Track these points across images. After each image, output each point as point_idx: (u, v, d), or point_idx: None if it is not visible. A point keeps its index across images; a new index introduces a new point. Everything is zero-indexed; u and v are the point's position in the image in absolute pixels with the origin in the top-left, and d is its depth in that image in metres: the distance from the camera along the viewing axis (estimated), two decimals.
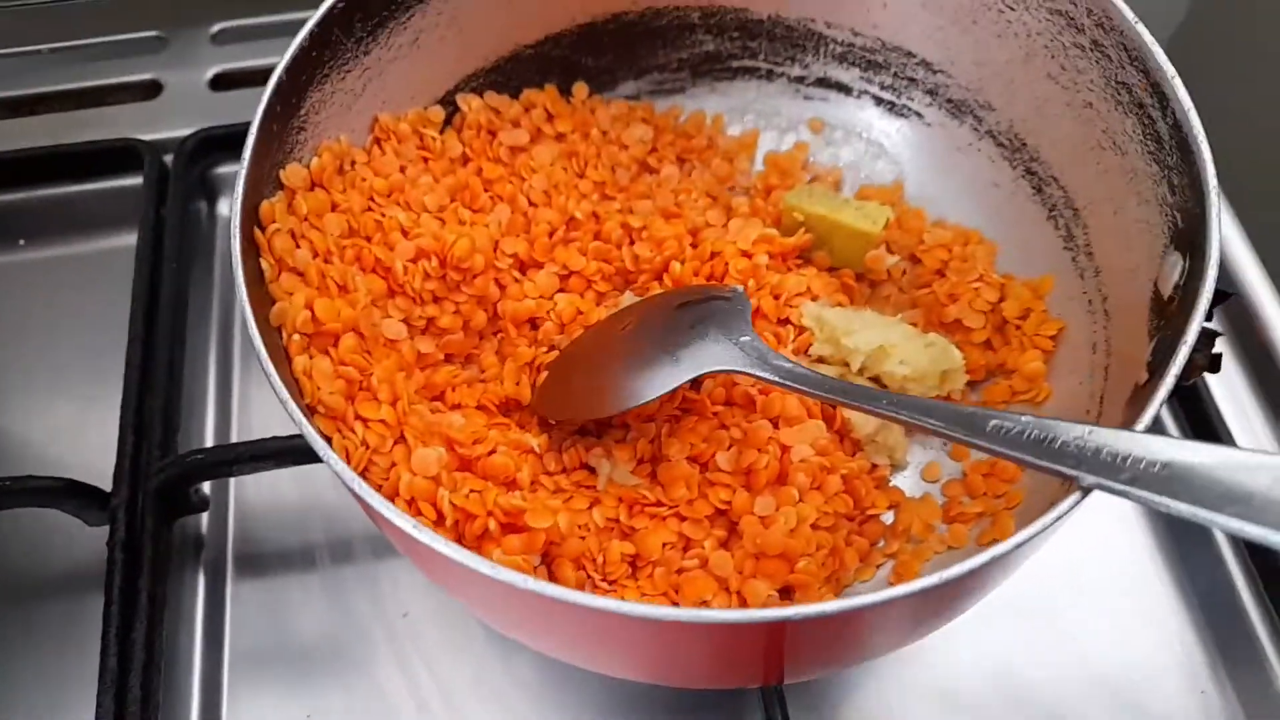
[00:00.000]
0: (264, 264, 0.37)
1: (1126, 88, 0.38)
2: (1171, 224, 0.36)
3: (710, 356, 0.39)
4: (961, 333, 0.45)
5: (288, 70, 0.38)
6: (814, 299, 0.45)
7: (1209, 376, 0.49)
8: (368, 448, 0.36)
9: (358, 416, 0.36)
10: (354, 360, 0.37)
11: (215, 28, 0.65)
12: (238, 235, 0.34)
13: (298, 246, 0.38)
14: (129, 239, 0.55)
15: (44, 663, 0.46)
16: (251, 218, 0.36)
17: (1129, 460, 0.29)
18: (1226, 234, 0.55)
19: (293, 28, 0.62)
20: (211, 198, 0.59)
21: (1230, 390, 0.51)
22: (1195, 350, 0.32)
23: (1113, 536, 0.48)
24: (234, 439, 0.52)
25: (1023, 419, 0.31)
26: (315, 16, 0.39)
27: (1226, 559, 0.47)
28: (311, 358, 0.36)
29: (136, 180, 0.57)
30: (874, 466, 0.43)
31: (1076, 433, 0.30)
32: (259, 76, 0.63)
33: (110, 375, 0.50)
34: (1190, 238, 0.34)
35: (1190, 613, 0.46)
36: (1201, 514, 0.26)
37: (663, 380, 0.38)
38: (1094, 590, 0.46)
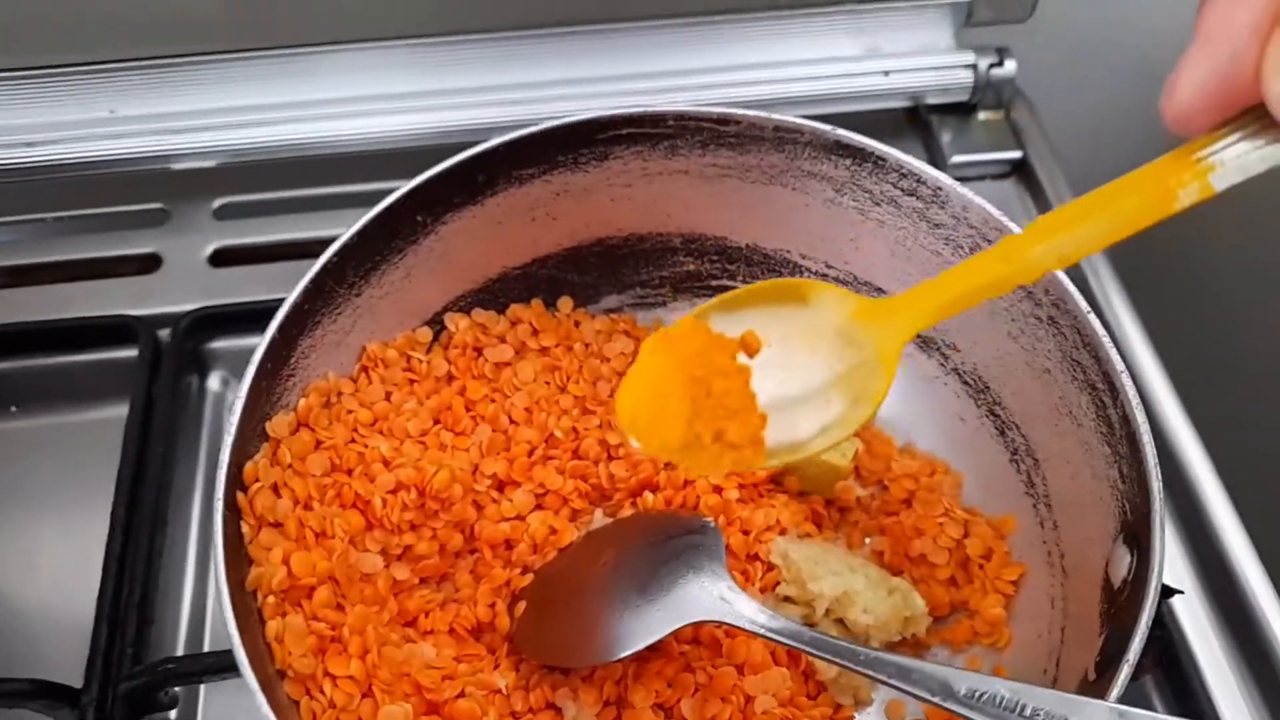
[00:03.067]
0: (245, 526, 0.38)
1: (1080, 367, 0.40)
2: (1122, 512, 0.37)
3: (691, 605, 0.39)
4: (926, 567, 0.47)
5: (281, 328, 0.39)
6: (782, 531, 0.46)
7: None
8: (335, 707, 0.36)
9: (327, 673, 0.37)
10: (326, 615, 0.38)
11: (218, 202, 0.66)
12: (220, 505, 0.35)
13: (279, 497, 0.39)
14: (120, 410, 0.56)
15: None
16: (235, 483, 0.37)
17: None
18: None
19: (294, 205, 0.66)
20: (204, 372, 0.60)
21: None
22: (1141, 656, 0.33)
23: None
24: (208, 629, 0.52)
25: (994, 682, 0.32)
26: (309, 274, 0.40)
27: None
28: (285, 615, 0.37)
29: (131, 353, 0.58)
30: (839, 707, 0.44)
31: (1049, 701, 0.31)
32: (258, 253, 0.64)
33: (90, 555, 0.50)
34: (1137, 536, 0.35)
35: None
36: None
37: (646, 631, 0.39)
38: None
